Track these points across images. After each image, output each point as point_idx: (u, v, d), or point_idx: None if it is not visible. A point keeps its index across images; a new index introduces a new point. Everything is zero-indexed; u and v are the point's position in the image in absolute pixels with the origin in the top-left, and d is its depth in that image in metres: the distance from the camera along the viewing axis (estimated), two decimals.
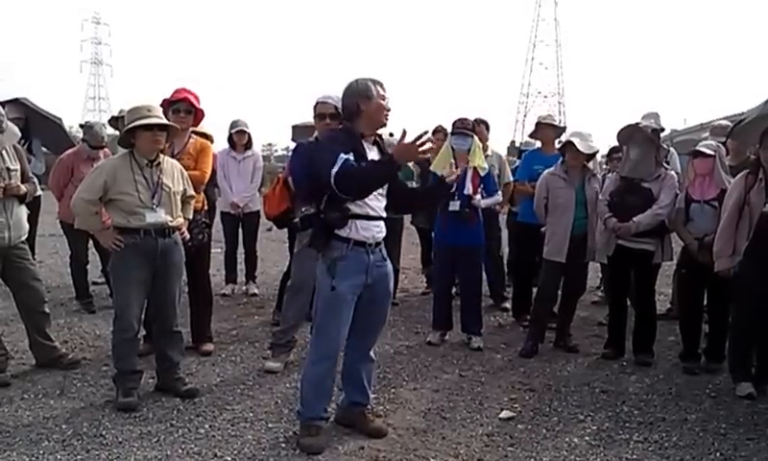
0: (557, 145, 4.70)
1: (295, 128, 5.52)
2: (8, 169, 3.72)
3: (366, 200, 2.91)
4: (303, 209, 3.02)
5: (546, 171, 4.62)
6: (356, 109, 2.94)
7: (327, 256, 2.92)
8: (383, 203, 3.01)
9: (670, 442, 3.11)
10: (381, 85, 2.99)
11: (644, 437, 3.16)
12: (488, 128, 5.83)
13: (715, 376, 4.02)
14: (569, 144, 4.38)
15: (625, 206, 4.20)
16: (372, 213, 2.95)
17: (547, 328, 4.63)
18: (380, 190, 2.98)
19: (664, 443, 3.10)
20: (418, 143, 2.78)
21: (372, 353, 3.17)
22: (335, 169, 2.75)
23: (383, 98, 2.96)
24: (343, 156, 2.80)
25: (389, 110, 2.98)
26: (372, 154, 2.98)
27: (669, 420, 3.37)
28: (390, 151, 2.99)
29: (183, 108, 4.02)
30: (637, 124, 4.37)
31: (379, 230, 3.00)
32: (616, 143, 4.95)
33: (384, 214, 3.03)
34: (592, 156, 4.49)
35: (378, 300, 3.08)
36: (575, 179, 4.44)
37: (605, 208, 4.31)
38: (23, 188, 3.77)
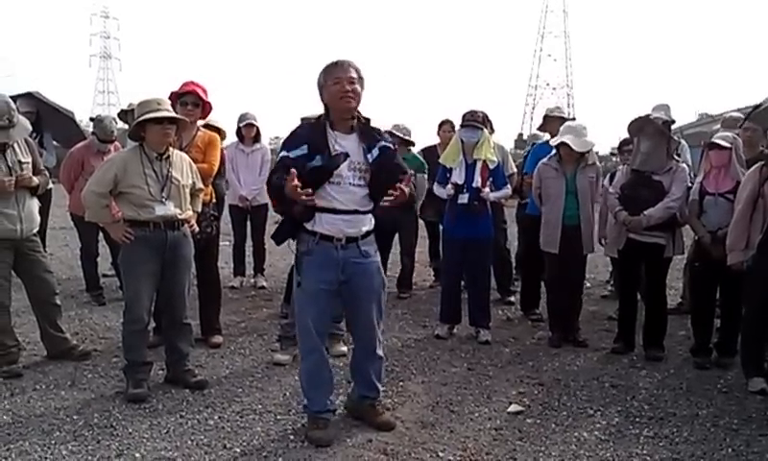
0: (552, 143, 4.67)
1: (303, 120, 5.50)
2: (20, 162, 3.74)
3: (333, 192, 2.81)
4: None
5: (541, 161, 4.62)
6: (322, 103, 2.89)
7: (297, 250, 2.90)
8: (359, 195, 2.85)
9: (681, 437, 3.09)
10: (336, 66, 2.80)
11: (654, 432, 3.13)
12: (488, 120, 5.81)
13: (726, 371, 3.98)
14: (563, 144, 4.36)
15: (636, 200, 4.16)
16: (339, 207, 2.82)
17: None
18: (353, 180, 2.83)
19: (675, 438, 3.07)
20: (301, 194, 2.63)
21: (378, 351, 3.09)
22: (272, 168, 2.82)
23: (337, 81, 2.78)
24: (284, 153, 2.82)
25: (346, 92, 2.78)
26: (347, 143, 2.84)
27: (680, 415, 3.35)
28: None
29: (191, 100, 4.02)
30: (648, 116, 4.32)
31: (350, 224, 2.85)
32: (626, 135, 4.90)
33: (363, 207, 2.88)
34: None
35: (360, 298, 2.97)
36: (568, 168, 4.43)
37: (615, 202, 4.28)
38: (35, 180, 3.79)
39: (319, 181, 2.80)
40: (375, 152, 2.89)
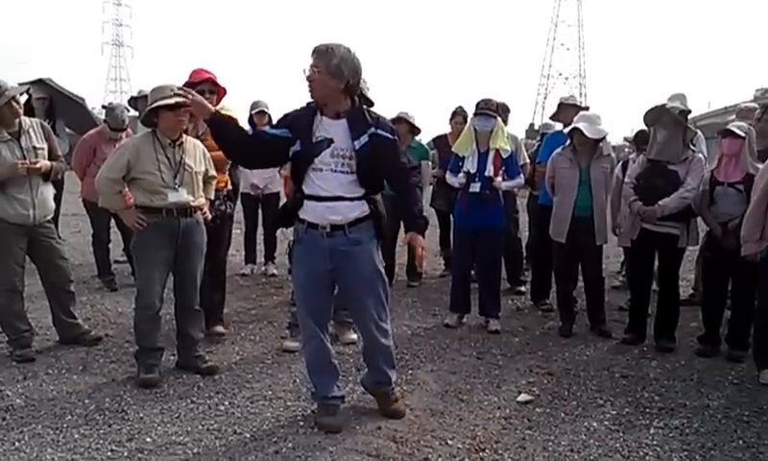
0: (566, 130, 4.63)
1: None
2: (34, 147, 3.76)
3: (315, 179, 2.79)
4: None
5: (555, 151, 4.60)
6: None
7: (292, 239, 2.93)
8: (343, 181, 2.79)
9: (691, 428, 3.07)
10: (312, 54, 2.76)
11: (665, 423, 3.12)
12: (507, 110, 5.78)
13: (738, 363, 3.95)
14: (576, 130, 4.32)
15: (651, 190, 4.12)
16: (322, 194, 2.78)
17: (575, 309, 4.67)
18: (336, 167, 2.78)
19: (685, 429, 3.06)
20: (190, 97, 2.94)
21: (382, 339, 3.02)
22: None
23: (310, 68, 2.77)
24: (266, 127, 2.92)
25: (308, 80, 2.76)
26: (334, 129, 2.79)
27: (690, 406, 3.33)
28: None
29: (208, 88, 4.00)
30: (665, 105, 4.27)
31: (334, 211, 2.80)
32: (636, 126, 4.86)
33: (349, 194, 2.81)
34: (601, 138, 4.42)
35: (350, 286, 2.94)
36: (582, 159, 4.41)
37: (630, 191, 4.24)
38: (45, 164, 3.78)
39: (300, 167, 2.82)
40: (364, 139, 2.79)
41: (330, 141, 2.78)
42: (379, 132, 2.85)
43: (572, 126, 4.42)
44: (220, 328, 4.33)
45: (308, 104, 2.89)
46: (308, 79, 2.77)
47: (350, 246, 2.86)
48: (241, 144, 2.93)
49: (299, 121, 2.84)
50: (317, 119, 2.82)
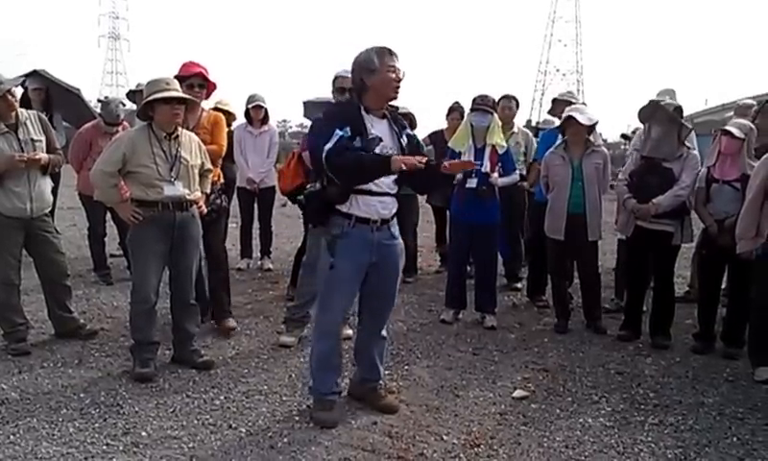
0: (556, 122, 4.64)
1: (306, 104, 5.44)
2: (32, 140, 3.74)
3: None
4: (309, 185, 2.99)
5: (548, 150, 4.61)
6: (362, 84, 2.84)
7: (328, 233, 2.89)
8: (390, 178, 2.89)
9: (686, 425, 3.08)
10: (390, 54, 2.82)
11: (660, 419, 3.13)
12: (518, 105, 5.78)
13: (732, 360, 3.96)
14: (569, 119, 4.34)
15: (645, 187, 4.12)
16: (375, 189, 2.85)
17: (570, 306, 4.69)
18: None
19: (680, 426, 3.07)
20: (414, 164, 2.71)
21: (383, 332, 3.13)
22: (328, 145, 2.72)
23: (391, 69, 2.80)
24: (338, 132, 2.75)
25: (399, 82, 2.83)
26: (380, 128, 2.88)
27: (685, 403, 3.34)
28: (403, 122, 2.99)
29: (197, 82, 3.99)
30: (659, 102, 4.27)
31: (384, 206, 2.90)
32: (633, 123, 4.87)
33: (392, 190, 2.93)
34: (593, 127, 4.42)
35: (385, 279, 3.02)
36: (574, 155, 4.42)
37: (624, 189, 4.24)
38: (43, 157, 3.76)
39: None
40: (404, 139, 2.94)
41: (380, 140, 2.85)
42: (411, 132, 3.00)
43: (565, 114, 4.45)
44: (231, 323, 4.25)
45: (348, 101, 2.93)
46: (401, 80, 2.84)
47: (392, 240, 2.98)
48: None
49: (350, 117, 2.83)
50: (366, 116, 2.86)
